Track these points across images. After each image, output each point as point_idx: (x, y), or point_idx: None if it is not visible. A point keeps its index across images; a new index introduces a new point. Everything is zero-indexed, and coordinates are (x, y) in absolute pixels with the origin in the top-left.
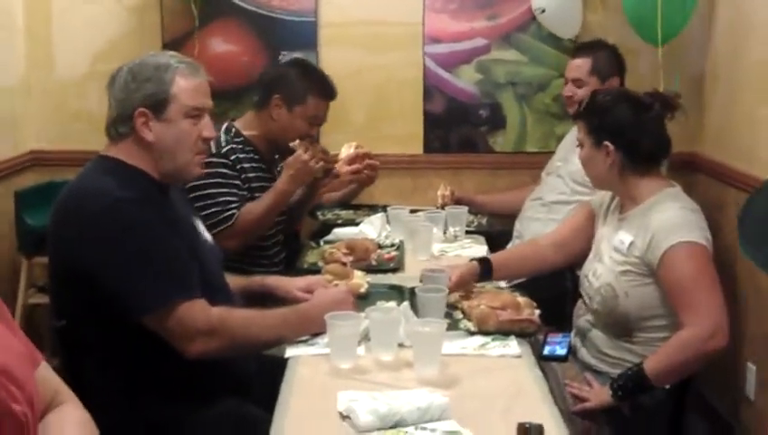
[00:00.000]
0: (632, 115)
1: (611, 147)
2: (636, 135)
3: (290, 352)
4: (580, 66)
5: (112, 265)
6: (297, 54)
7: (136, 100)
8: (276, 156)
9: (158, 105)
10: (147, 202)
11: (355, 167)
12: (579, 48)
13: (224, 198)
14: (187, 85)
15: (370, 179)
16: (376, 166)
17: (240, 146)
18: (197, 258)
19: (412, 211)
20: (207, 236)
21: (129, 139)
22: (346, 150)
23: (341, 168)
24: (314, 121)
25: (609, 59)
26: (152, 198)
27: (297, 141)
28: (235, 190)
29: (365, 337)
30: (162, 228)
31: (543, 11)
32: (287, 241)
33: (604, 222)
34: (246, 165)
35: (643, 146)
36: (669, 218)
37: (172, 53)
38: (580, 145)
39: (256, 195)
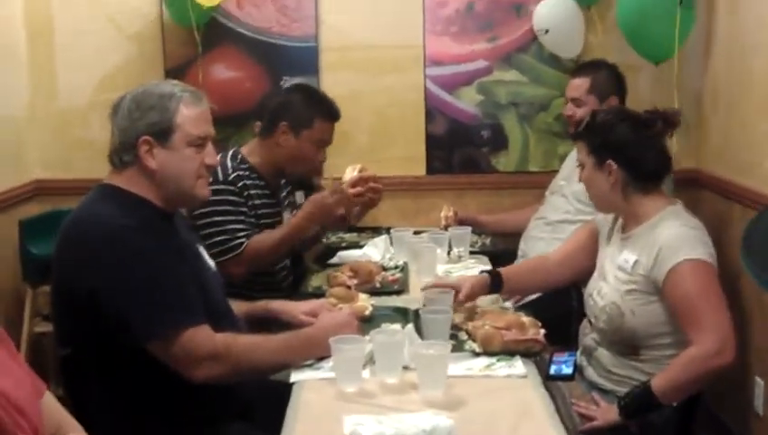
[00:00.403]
0: (633, 133)
1: (614, 165)
2: (638, 153)
3: (295, 376)
4: (579, 86)
5: (116, 292)
6: (299, 79)
7: (140, 128)
8: (282, 181)
9: (162, 133)
10: (150, 230)
11: (358, 190)
12: (578, 68)
13: (232, 226)
14: (190, 114)
15: (374, 202)
16: (379, 189)
17: (246, 173)
18: (202, 285)
19: (416, 233)
20: (210, 262)
21: (132, 167)
22: (350, 173)
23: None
24: (321, 144)
25: (607, 78)
26: (155, 226)
27: (329, 179)
28: (242, 217)
29: (370, 360)
30: (166, 255)
31: (547, 32)
32: (292, 264)
33: (608, 241)
34: (253, 192)
35: (645, 163)
36: (673, 236)
37: (175, 81)
38: (581, 166)
39: (262, 221)
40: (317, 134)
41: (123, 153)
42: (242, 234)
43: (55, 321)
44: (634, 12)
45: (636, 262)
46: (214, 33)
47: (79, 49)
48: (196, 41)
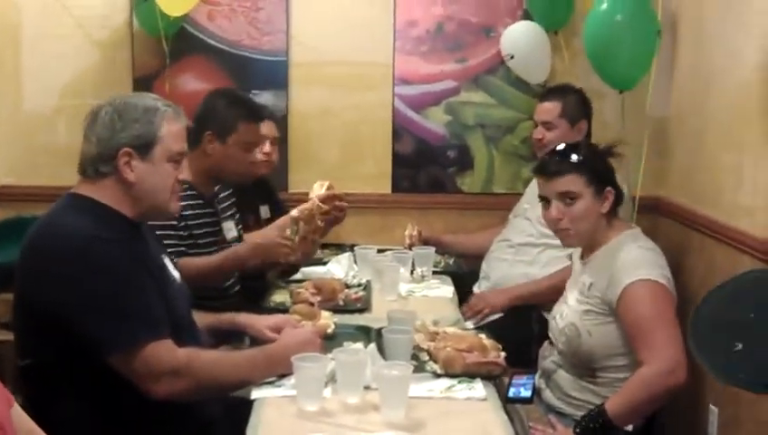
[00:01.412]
0: (607, 160)
1: (611, 191)
2: (614, 179)
3: (256, 393)
4: (550, 110)
5: (82, 304)
6: (268, 94)
7: (122, 139)
8: (217, 187)
9: (143, 147)
10: (119, 242)
11: (324, 208)
12: (548, 92)
13: None
14: (172, 130)
15: (338, 220)
16: (344, 207)
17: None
18: (166, 298)
19: (380, 251)
20: (176, 274)
21: (107, 178)
22: (318, 189)
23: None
24: (249, 147)
25: (577, 103)
26: (124, 238)
27: (296, 213)
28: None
29: (332, 379)
30: (133, 268)
31: (512, 57)
32: (247, 276)
33: (576, 269)
34: (188, 212)
35: (618, 188)
36: (628, 257)
37: (154, 96)
38: (575, 198)
39: (201, 241)
40: (243, 137)
41: (100, 163)
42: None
43: (16, 330)
44: (600, 40)
45: (591, 284)
46: (184, 44)
47: (45, 55)
48: (164, 50)
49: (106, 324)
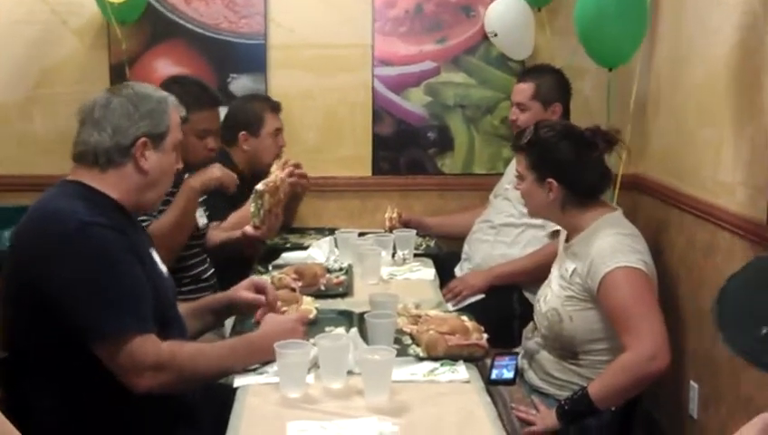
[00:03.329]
0: (575, 152)
1: (555, 183)
2: (578, 172)
3: (239, 381)
4: (523, 90)
5: (74, 287)
6: (246, 77)
7: (141, 128)
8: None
9: (158, 136)
10: (115, 230)
11: (288, 170)
12: (525, 72)
13: None
14: (176, 119)
15: (304, 187)
16: (305, 174)
17: None
18: (156, 290)
19: (361, 234)
20: (163, 267)
21: (119, 167)
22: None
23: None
24: (205, 134)
25: (553, 84)
26: (120, 227)
27: (261, 186)
28: None
29: (314, 365)
30: (127, 257)
31: (496, 35)
32: (230, 263)
33: (561, 250)
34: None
35: (585, 181)
36: (606, 244)
37: (153, 86)
38: (520, 177)
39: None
40: (197, 125)
41: (116, 153)
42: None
43: (1, 320)
44: (590, 15)
45: (573, 270)
46: (161, 28)
47: (19, 41)
48: (139, 36)
49: (96, 310)
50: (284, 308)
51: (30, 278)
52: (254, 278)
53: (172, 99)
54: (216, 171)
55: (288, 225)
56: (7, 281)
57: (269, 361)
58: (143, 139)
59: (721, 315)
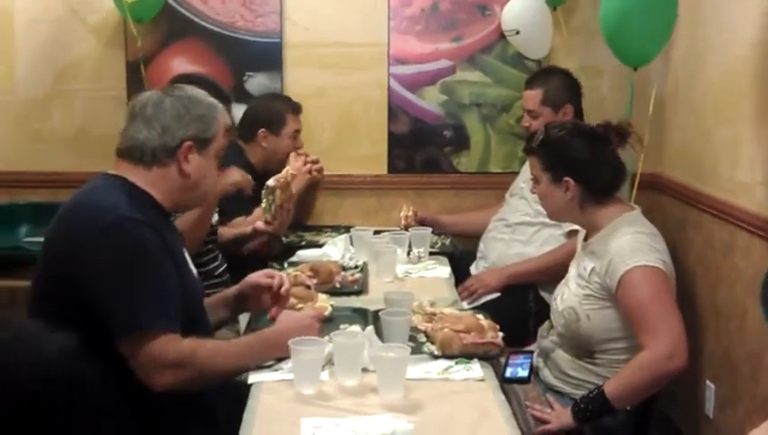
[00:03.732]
0: (588, 148)
1: (571, 182)
2: (594, 168)
3: (253, 377)
4: (532, 97)
5: (107, 279)
6: (262, 75)
7: (189, 131)
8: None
9: (204, 141)
10: (152, 227)
11: (302, 159)
12: (531, 78)
13: None
14: (224, 128)
15: (318, 179)
16: (317, 159)
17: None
18: (184, 289)
19: (376, 232)
20: (194, 269)
21: (162, 166)
22: (293, 161)
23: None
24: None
25: (561, 87)
26: (157, 225)
27: (273, 182)
28: None
29: (329, 362)
30: (161, 255)
31: (518, 32)
32: (247, 261)
33: (579, 249)
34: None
35: (602, 177)
36: (625, 243)
37: (206, 93)
38: (536, 180)
39: None
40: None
41: (161, 151)
42: None
43: (31, 312)
44: (617, 15)
45: (592, 269)
46: (177, 27)
47: (39, 39)
48: (155, 34)
49: (127, 304)
50: (300, 305)
51: (64, 269)
52: (268, 270)
53: (221, 107)
54: (234, 175)
55: (303, 222)
56: (39, 275)
57: (284, 357)
58: (189, 142)
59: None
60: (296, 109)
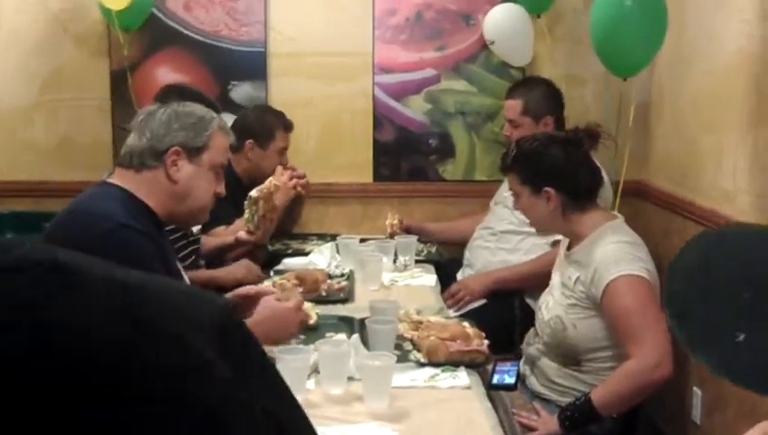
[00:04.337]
0: (562, 155)
1: (552, 191)
2: (572, 173)
3: None
4: (513, 107)
5: None
6: (247, 85)
7: (176, 138)
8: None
9: (193, 149)
10: (148, 235)
11: (287, 174)
12: (512, 88)
13: None
14: (221, 142)
15: (304, 192)
16: (306, 179)
17: None
18: None
19: (362, 240)
20: (187, 280)
21: (151, 171)
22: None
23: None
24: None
25: (541, 98)
26: (153, 234)
27: (255, 193)
28: None
29: (314, 370)
30: (157, 265)
31: (493, 42)
32: None
33: (561, 257)
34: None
35: (580, 181)
36: (609, 253)
37: (207, 108)
38: (516, 196)
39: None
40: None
41: (149, 156)
42: None
43: None
44: (608, 25)
45: (577, 278)
46: (161, 35)
47: (22, 48)
48: (140, 43)
49: None
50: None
51: None
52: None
53: (221, 122)
54: (239, 271)
55: (289, 230)
56: None
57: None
58: (176, 147)
59: (684, 328)
60: (287, 126)
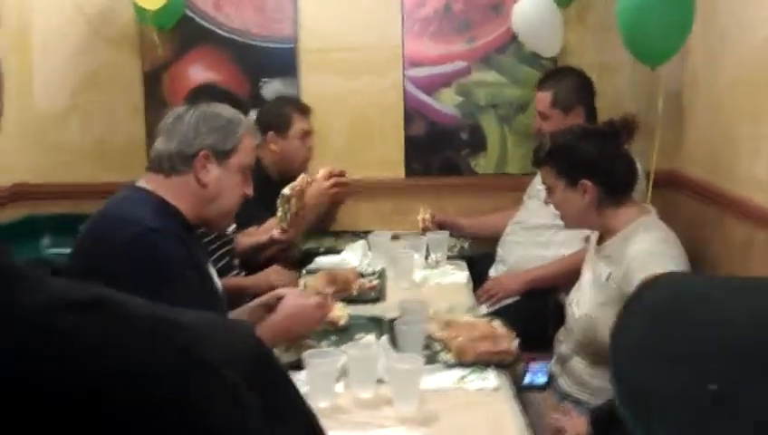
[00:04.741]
0: (598, 148)
1: (589, 184)
2: (608, 166)
3: None
4: (543, 99)
5: (133, 291)
6: (277, 82)
7: (205, 141)
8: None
9: (222, 153)
10: (179, 240)
11: (330, 182)
12: (543, 79)
13: None
14: (249, 144)
15: (341, 197)
16: (347, 183)
17: None
18: (207, 304)
19: (394, 236)
20: (218, 283)
21: (181, 175)
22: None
23: (322, 184)
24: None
25: (571, 89)
26: (184, 238)
27: (288, 190)
28: None
29: (343, 373)
30: (185, 269)
31: (517, 36)
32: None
33: (593, 252)
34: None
35: (617, 173)
36: (642, 250)
37: (235, 110)
38: (550, 190)
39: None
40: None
41: (178, 160)
42: None
43: None
44: (635, 12)
45: (609, 275)
46: (191, 35)
47: (56, 51)
48: (172, 42)
49: None
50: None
51: (88, 277)
52: (279, 291)
53: (249, 123)
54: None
55: (327, 229)
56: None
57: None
58: (206, 151)
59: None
60: (302, 109)
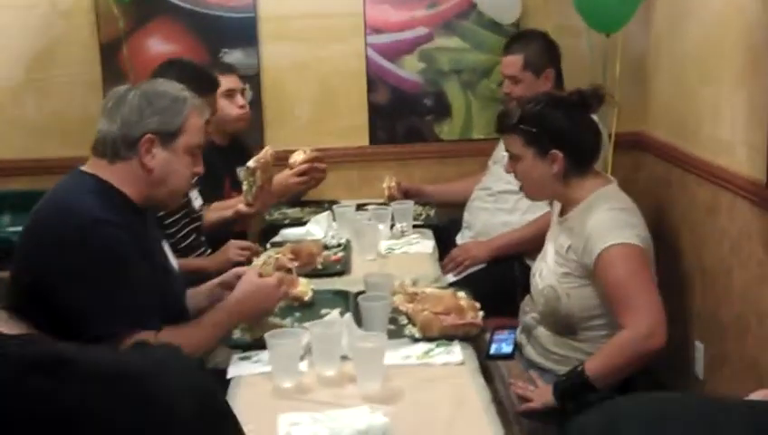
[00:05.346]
0: (568, 117)
1: (559, 154)
2: (577, 136)
3: (232, 371)
4: (513, 63)
5: (80, 284)
6: (238, 52)
7: (149, 125)
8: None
9: (167, 135)
10: (124, 226)
11: (303, 172)
12: (509, 43)
13: None
14: (196, 123)
15: (317, 181)
16: (323, 169)
17: None
18: (162, 285)
19: (360, 206)
20: (174, 262)
21: (126, 161)
22: (298, 156)
23: (291, 178)
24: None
25: (541, 51)
26: (130, 223)
27: (253, 163)
28: None
29: (307, 351)
30: (134, 254)
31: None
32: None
33: (555, 223)
34: None
35: (585, 146)
36: (601, 221)
37: (182, 86)
38: (516, 159)
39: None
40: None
41: (122, 146)
42: None
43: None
44: None
45: (569, 247)
46: (148, 6)
47: (10, 27)
48: (129, 14)
49: (102, 308)
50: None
51: (37, 273)
52: (237, 270)
53: (195, 102)
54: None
55: (298, 199)
56: (16, 270)
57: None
58: (150, 135)
59: None
60: (223, 68)
